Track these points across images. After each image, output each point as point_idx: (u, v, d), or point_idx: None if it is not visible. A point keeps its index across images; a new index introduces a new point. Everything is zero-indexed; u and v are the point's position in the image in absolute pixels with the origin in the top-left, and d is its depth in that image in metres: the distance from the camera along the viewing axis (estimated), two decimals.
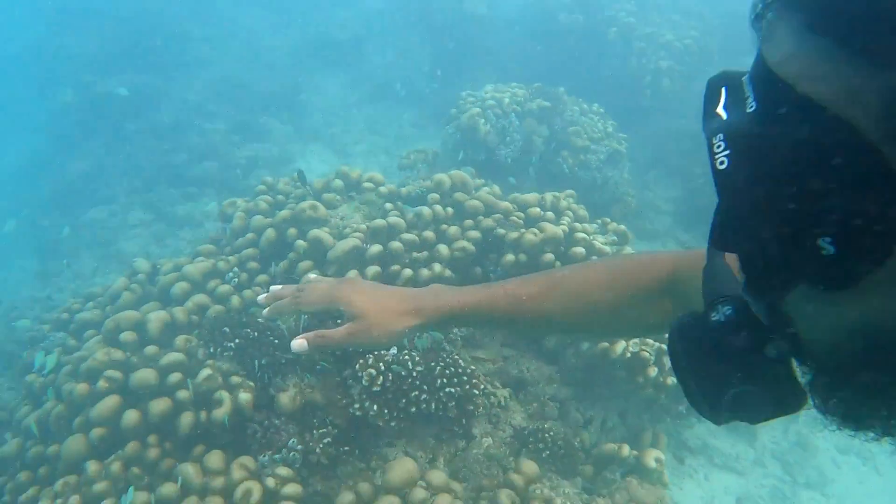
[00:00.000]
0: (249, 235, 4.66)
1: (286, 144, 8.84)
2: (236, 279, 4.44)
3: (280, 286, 1.95)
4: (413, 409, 4.02)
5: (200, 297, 4.28)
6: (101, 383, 3.72)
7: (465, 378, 4.12)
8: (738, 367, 0.80)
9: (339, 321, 1.74)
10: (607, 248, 4.58)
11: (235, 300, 4.27)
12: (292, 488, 3.50)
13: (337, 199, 4.86)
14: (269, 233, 4.58)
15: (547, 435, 4.26)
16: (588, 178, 6.56)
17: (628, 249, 4.84)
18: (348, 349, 2.38)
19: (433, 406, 4.05)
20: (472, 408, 4.21)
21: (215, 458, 3.56)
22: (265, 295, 1.87)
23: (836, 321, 0.67)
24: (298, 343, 1.69)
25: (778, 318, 0.72)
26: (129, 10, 9.92)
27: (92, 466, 3.54)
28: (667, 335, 0.95)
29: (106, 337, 4.04)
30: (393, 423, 4.02)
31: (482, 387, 4.25)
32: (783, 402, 0.79)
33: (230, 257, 4.54)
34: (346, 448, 3.96)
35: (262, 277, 4.49)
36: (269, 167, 8.35)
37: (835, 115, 0.53)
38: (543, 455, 4.20)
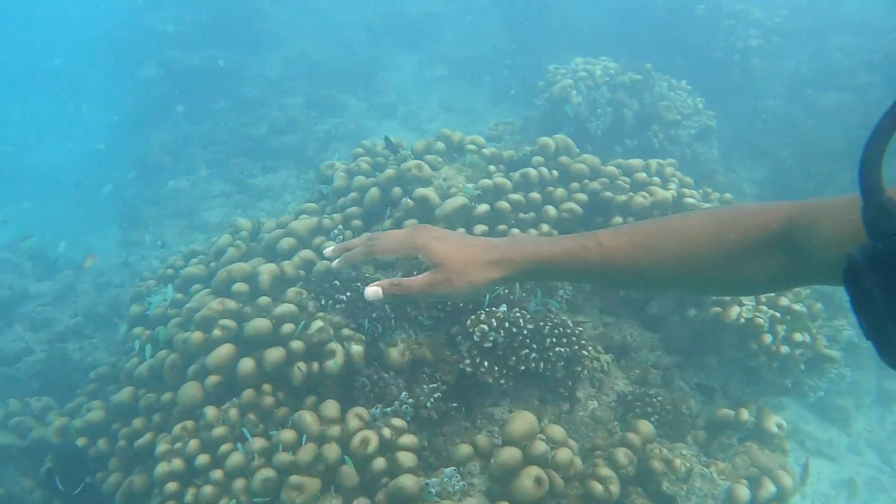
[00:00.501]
0: (352, 195, 4.64)
1: (361, 120, 8.85)
2: (341, 236, 4.43)
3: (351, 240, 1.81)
4: (522, 368, 3.95)
5: (307, 253, 4.28)
6: (216, 331, 3.74)
7: (573, 338, 4.03)
8: None
9: (414, 273, 1.59)
10: None
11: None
12: (408, 439, 3.45)
13: (439, 160, 4.81)
14: (374, 192, 4.55)
15: (655, 400, 4.16)
16: (678, 153, 6.40)
17: None
18: (425, 301, 2.17)
19: (541, 365, 3.98)
20: (579, 369, 4.12)
21: (331, 408, 3.54)
22: (333, 248, 1.69)
23: None
24: (373, 291, 1.49)
25: None
26: None
27: (210, 412, 3.55)
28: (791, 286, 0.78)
29: (217, 288, 4.06)
30: (502, 381, 3.95)
31: (589, 348, 4.16)
32: None
33: (334, 215, 4.53)
34: (453, 405, 3.92)
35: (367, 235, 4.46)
36: (345, 141, 8.37)
37: None
38: (652, 420, 4.09)
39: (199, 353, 3.77)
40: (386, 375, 3.90)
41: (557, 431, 3.47)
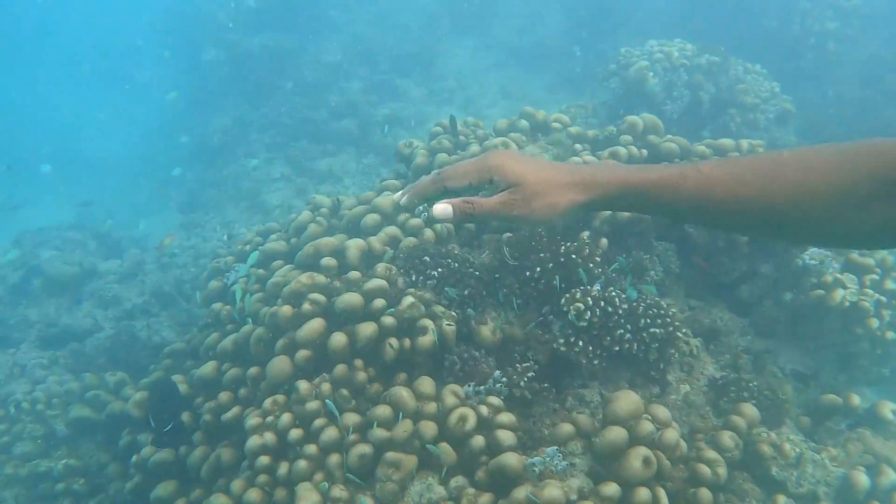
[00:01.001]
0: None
1: (420, 105, 8.78)
2: (426, 213, 4.33)
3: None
4: (616, 349, 3.83)
5: (392, 229, 4.19)
6: (306, 306, 3.67)
7: (668, 319, 3.89)
8: None
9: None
10: None
11: (428, 233, 4.17)
12: (506, 417, 3.35)
13: (523, 139, 4.70)
14: None
15: (751, 384, 4.00)
16: (756, 137, 6.19)
17: None
18: (500, 222, 1.91)
19: (635, 346, 3.85)
20: (672, 351, 3.99)
21: (427, 385, 3.45)
22: (402, 193, 1.51)
23: None
24: (441, 208, 1.35)
25: None
26: None
27: (303, 386, 3.48)
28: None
29: (304, 262, 4.00)
30: (595, 362, 3.83)
31: (683, 330, 4.02)
32: None
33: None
34: (545, 385, 3.81)
35: None
36: (405, 127, 8.30)
37: None
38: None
39: (287, 328, 3.70)
40: (476, 354, 3.81)
41: (662, 412, 3.34)
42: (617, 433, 3.15)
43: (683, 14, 8.72)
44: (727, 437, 3.35)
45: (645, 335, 3.84)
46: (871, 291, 4.00)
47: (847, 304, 3.94)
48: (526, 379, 3.72)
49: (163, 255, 6.94)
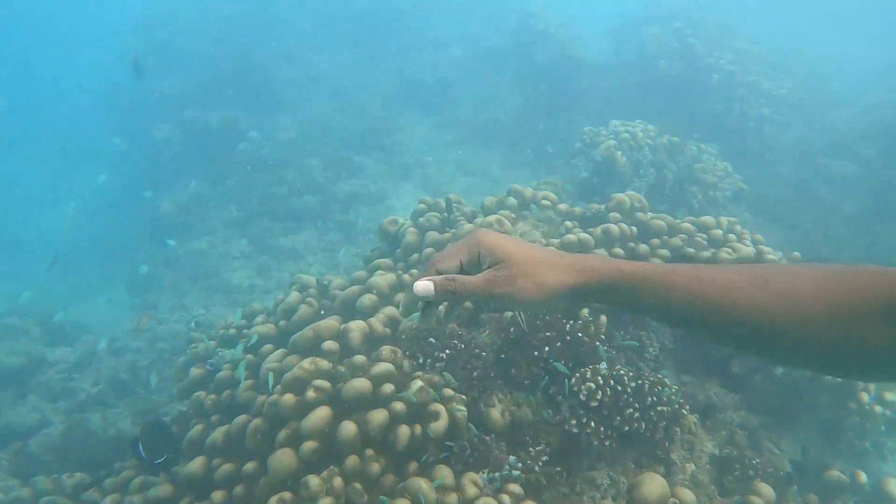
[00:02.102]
0: (428, 250, 4.50)
1: (380, 182, 8.78)
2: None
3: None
4: (626, 428, 3.79)
5: (390, 310, 4.08)
6: (311, 393, 3.49)
7: (673, 397, 3.89)
8: None
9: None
10: None
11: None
12: None
13: (511, 216, 4.72)
14: None
15: (754, 461, 4.01)
16: (714, 214, 6.44)
17: None
18: (485, 301, 1.87)
19: (643, 426, 3.81)
20: (677, 429, 3.97)
21: (446, 474, 3.30)
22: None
23: None
24: (423, 285, 1.27)
25: None
26: (215, 53, 10.02)
27: (314, 482, 3.27)
28: None
29: (302, 347, 3.82)
30: (607, 443, 3.77)
31: (687, 407, 4.02)
32: None
33: (412, 271, 4.37)
34: (557, 468, 3.71)
35: None
36: (367, 203, 8.26)
37: None
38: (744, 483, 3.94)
39: (290, 417, 3.50)
40: (487, 438, 3.69)
41: (688, 495, 3.29)
42: None
43: (635, 97, 9.14)
44: None
45: (652, 413, 3.82)
46: None
47: (839, 379, 4.03)
48: (540, 463, 3.62)
49: (113, 342, 6.56)
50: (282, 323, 4.32)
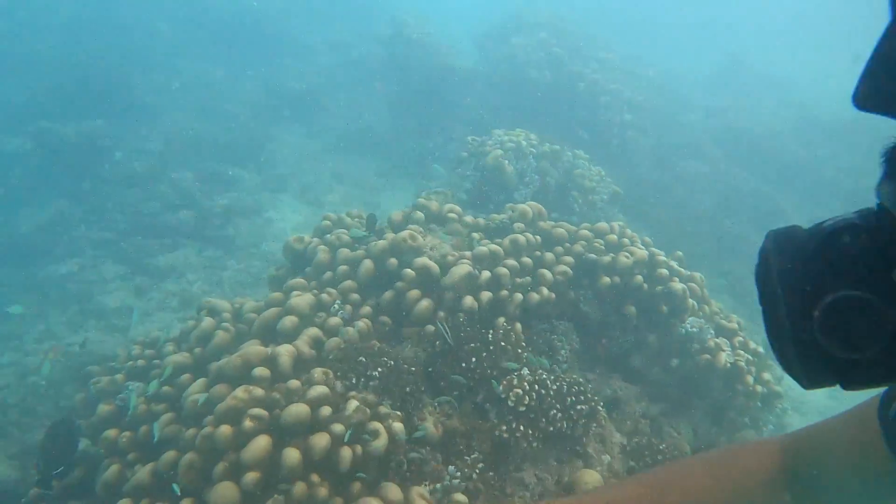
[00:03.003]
0: (342, 268, 4.49)
1: (256, 194, 8.54)
2: (342, 311, 4.25)
3: None
4: (551, 429, 4.02)
5: (314, 331, 4.05)
6: (248, 423, 3.41)
7: (589, 395, 4.17)
8: (848, 272, 0.60)
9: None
10: (685, 271, 4.88)
11: (351, 331, 4.09)
12: None
13: (420, 230, 4.81)
14: (367, 264, 4.43)
15: (661, 447, 4.37)
16: (594, 217, 6.89)
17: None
18: None
19: (565, 424, 4.06)
20: (594, 425, 4.26)
21: (394, 492, 3.36)
22: None
23: None
24: None
25: None
26: (67, 58, 9.25)
27: None
28: None
29: (231, 375, 3.71)
30: (535, 444, 3.98)
31: (602, 404, 4.31)
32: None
33: (329, 290, 4.35)
34: (490, 474, 3.87)
35: (366, 308, 4.34)
36: (245, 216, 8.00)
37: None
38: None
39: (227, 449, 3.40)
40: (423, 451, 3.77)
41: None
42: None
43: (508, 103, 9.50)
44: None
45: (573, 412, 4.08)
46: (742, 352, 4.61)
47: (729, 365, 4.49)
48: (477, 470, 3.76)
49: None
50: (197, 351, 4.15)
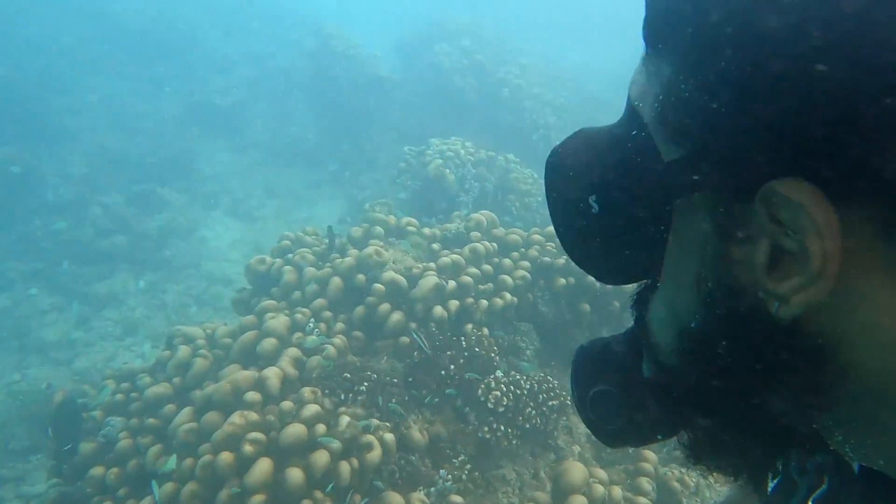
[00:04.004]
0: (312, 287, 4.60)
1: (189, 213, 8.39)
2: (317, 329, 4.37)
3: None
4: (527, 426, 4.28)
5: (294, 351, 4.15)
6: (247, 448, 3.51)
7: (558, 391, 4.46)
8: (610, 376, 0.81)
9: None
10: None
11: (331, 349, 4.21)
12: None
13: (381, 245, 4.96)
14: (336, 281, 4.56)
15: None
16: (530, 218, 7.22)
17: None
18: None
19: (538, 421, 4.34)
20: (564, 419, 4.56)
21: (396, 499, 3.54)
22: None
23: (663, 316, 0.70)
24: None
25: (643, 329, 0.75)
26: None
27: None
28: None
29: (221, 401, 3.77)
30: (514, 442, 4.24)
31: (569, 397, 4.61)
32: (638, 420, 0.78)
33: (302, 309, 4.45)
34: (476, 473, 4.09)
35: (340, 325, 4.47)
36: (180, 237, 7.87)
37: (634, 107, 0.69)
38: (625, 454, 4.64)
39: (228, 476, 3.48)
40: (413, 458, 3.96)
41: (601, 473, 3.84)
42: (580, 501, 3.57)
43: (435, 111, 9.71)
44: (645, 482, 3.95)
45: (545, 408, 4.36)
46: None
47: None
48: (466, 472, 3.98)
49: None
50: (176, 380, 4.17)
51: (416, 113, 9.87)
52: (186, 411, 3.88)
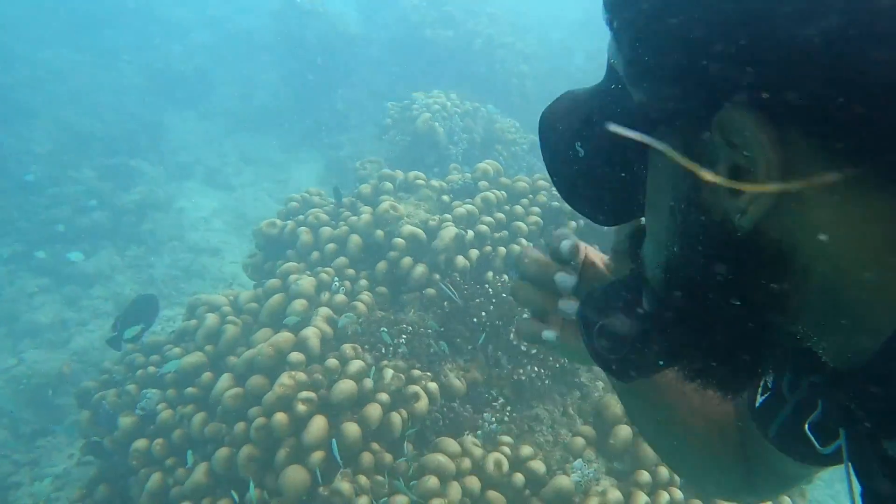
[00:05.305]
0: (330, 246, 4.59)
1: (164, 185, 8.17)
2: (343, 287, 4.37)
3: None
4: (556, 365, 4.40)
5: (325, 310, 4.16)
6: (300, 407, 3.53)
7: None
8: (614, 311, 0.84)
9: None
10: None
11: (360, 305, 4.23)
12: (527, 450, 3.70)
13: (391, 199, 4.96)
14: (355, 239, 4.56)
15: None
16: (517, 166, 7.28)
17: None
18: None
19: (565, 360, 4.46)
20: None
21: (452, 444, 3.62)
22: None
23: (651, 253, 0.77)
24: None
25: (639, 264, 0.82)
26: None
27: (345, 487, 3.38)
28: None
29: (265, 365, 3.77)
30: (547, 381, 4.35)
31: None
32: (641, 348, 0.82)
33: (326, 269, 4.45)
34: (514, 415, 4.20)
35: (363, 282, 4.48)
36: (160, 209, 7.68)
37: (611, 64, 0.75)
38: None
39: (285, 436, 3.51)
40: (455, 405, 4.04)
41: None
42: (625, 430, 3.71)
43: (408, 65, 9.59)
44: None
45: None
46: None
47: None
48: (507, 415, 4.09)
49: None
50: (208, 348, 4.14)
51: (386, 69, 9.74)
52: (226, 377, 3.86)
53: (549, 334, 1.05)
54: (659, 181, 0.70)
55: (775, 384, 0.94)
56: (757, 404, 1.01)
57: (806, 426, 0.82)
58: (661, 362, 0.83)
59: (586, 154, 0.80)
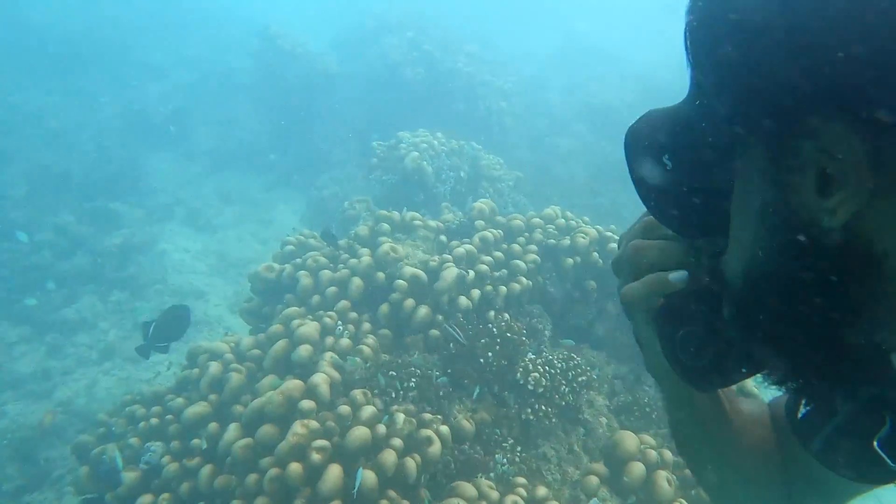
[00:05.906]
0: (331, 289, 4.56)
1: (146, 227, 8.05)
2: (346, 331, 4.34)
3: None
4: (563, 403, 4.41)
5: (330, 355, 4.12)
6: (315, 456, 3.48)
7: (584, 367, 4.61)
8: (693, 321, 0.87)
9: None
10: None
11: (366, 350, 4.21)
12: (542, 490, 3.69)
13: (389, 241, 4.95)
14: (357, 282, 4.54)
15: (644, 400, 4.91)
16: (501, 203, 7.33)
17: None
18: None
19: (571, 397, 4.47)
20: (593, 393, 4.71)
21: (468, 489, 3.60)
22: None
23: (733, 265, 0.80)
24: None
25: (718, 277, 0.85)
26: None
27: None
28: None
29: (276, 414, 3.71)
30: (553, 420, 4.35)
31: (596, 373, 4.76)
32: (723, 355, 0.85)
33: (329, 313, 4.41)
34: (523, 454, 4.19)
35: (366, 325, 4.45)
36: (142, 252, 7.55)
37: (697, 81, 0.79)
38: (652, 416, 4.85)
39: (301, 485, 3.45)
40: (465, 447, 4.01)
41: (648, 438, 4.01)
42: (638, 467, 3.73)
43: (387, 105, 9.64)
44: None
45: (575, 384, 4.49)
46: None
47: None
48: (518, 455, 4.07)
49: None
50: (213, 397, 4.06)
51: (367, 108, 9.79)
52: (234, 427, 3.79)
53: (677, 275, 0.94)
54: (747, 187, 0.73)
55: (824, 395, 0.91)
56: (800, 415, 1.02)
57: (875, 442, 0.81)
58: (745, 369, 0.85)
59: (674, 167, 0.84)
